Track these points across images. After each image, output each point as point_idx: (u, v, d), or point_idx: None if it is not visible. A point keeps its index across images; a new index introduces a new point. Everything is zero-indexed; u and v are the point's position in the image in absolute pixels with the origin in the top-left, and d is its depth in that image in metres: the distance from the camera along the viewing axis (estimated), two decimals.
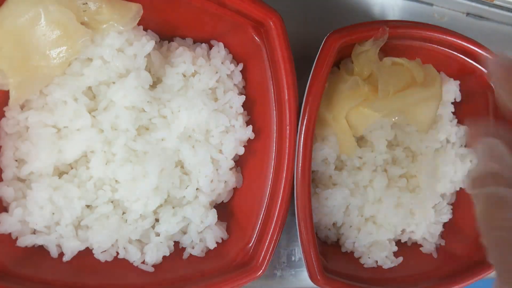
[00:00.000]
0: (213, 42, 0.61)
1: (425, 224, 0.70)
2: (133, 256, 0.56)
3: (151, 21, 0.57)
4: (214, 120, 0.58)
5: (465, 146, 0.62)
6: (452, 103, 0.72)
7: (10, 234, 0.53)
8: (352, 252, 0.68)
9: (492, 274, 0.67)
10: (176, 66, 0.57)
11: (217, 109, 0.59)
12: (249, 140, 0.62)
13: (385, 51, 0.63)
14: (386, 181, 0.65)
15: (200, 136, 0.58)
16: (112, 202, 0.56)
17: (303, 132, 0.55)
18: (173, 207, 0.59)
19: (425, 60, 0.65)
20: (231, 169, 0.61)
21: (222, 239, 0.60)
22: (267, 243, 0.54)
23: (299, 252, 0.56)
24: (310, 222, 0.55)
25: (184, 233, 0.60)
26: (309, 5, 0.72)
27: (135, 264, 0.57)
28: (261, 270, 0.54)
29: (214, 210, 0.60)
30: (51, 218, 0.53)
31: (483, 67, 0.66)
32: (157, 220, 0.59)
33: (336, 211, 0.65)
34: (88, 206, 0.55)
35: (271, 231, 0.54)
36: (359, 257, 0.68)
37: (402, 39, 0.63)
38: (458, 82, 0.71)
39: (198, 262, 0.58)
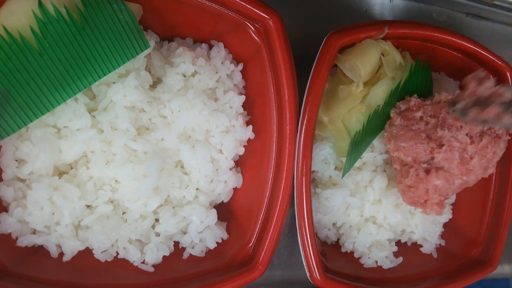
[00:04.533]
0: (213, 42, 0.61)
1: (425, 224, 0.70)
2: (133, 256, 0.56)
3: (151, 21, 0.57)
4: (214, 120, 0.58)
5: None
6: None
7: (10, 234, 0.53)
8: (352, 252, 0.68)
9: (491, 274, 0.67)
10: (176, 66, 0.57)
11: (217, 109, 0.59)
12: (249, 140, 0.62)
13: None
14: (386, 181, 0.65)
15: (200, 136, 0.58)
16: (112, 202, 0.56)
17: (303, 132, 0.55)
18: (173, 207, 0.59)
19: (425, 60, 0.65)
20: (231, 169, 0.61)
21: (222, 239, 0.60)
22: (267, 243, 0.54)
23: (299, 252, 0.56)
24: (310, 222, 0.55)
25: (184, 233, 0.60)
26: (309, 5, 0.72)
27: (135, 264, 0.57)
28: (261, 270, 0.54)
29: (214, 210, 0.60)
30: (51, 218, 0.53)
31: (483, 67, 0.67)
32: (157, 220, 0.59)
33: (336, 211, 0.65)
34: (88, 206, 0.55)
35: (271, 231, 0.54)
36: (359, 257, 0.68)
37: (402, 39, 0.63)
38: (458, 82, 0.71)
39: (198, 262, 0.58)
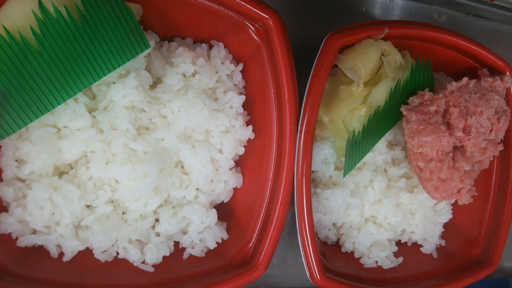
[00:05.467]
0: (213, 42, 0.61)
1: (425, 225, 0.70)
2: (133, 256, 0.56)
3: (151, 21, 0.57)
4: (214, 120, 0.58)
5: None
6: None
7: (10, 234, 0.53)
8: (352, 252, 0.68)
9: (491, 274, 0.67)
10: (176, 66, 0.57)
11: (217, 109, 0.59)
12: (249, 140, 0.62)
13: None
14: (386, 181, 0.65)
15: (200, 136, 0.58)
16: (112, 202, 0.56)
17: (303, 132, 0.55)
18: (173, 207, 0.59)
19: (425, 59, 0.65)
20: (231, 169, 0.61)
21: (222, 239, 0.60)
22: (267, 243, 0.54)
23: (299, 252, 0.56)
24: (310, 222, 0.55)
25: (184, 233, 0.60)
26: (309, 5, 0.72)
27: (135, 264, 0.57)
28: (261, 270, 0.54)
29: (214, 210, 0.60)
30: (51, 218, 0.53)
31: (483, 67, 0.67)
32: (157, 220, 0.58)
33: (336, 211, 0.65)
34: (88, 206, 0.55)
35: (271, 231, 0.54)
36: (359, 257, 0.68)
37: (402, 39, 0.63)
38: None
39: (198, 262, 0.58)
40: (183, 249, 0.60)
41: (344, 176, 0.60)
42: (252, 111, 0.62)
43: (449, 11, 0.80)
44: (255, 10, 0.51)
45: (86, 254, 0.56)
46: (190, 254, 0.59)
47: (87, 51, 0.48)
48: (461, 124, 0.58)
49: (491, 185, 0.70)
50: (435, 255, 0.71)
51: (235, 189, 0.63)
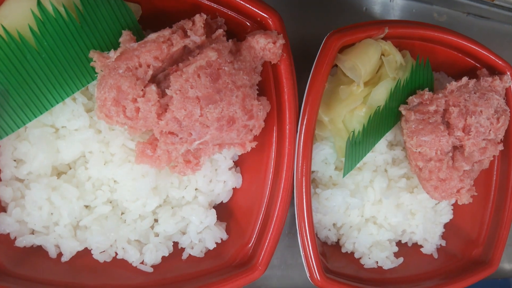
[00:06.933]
0: None
1: (426, 225, 0.70)
2: (132, 256, 0.56)
3: (150, 21, 0.57)
4: None
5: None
6: None
7: (8, 234, 0.52)
8: (352, 253, 0.68)
9: (492, 274, 0.67)
10: None
11: None
12: None
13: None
14: (387, 181, 0.65)
15: None
16: (110, 202, 0.56)
17: (303, 132, 0.54)
18: (172, 207, 0.59)
19: (425, 59, 0.65)
20: (230, 169, 0.61)
21: (221, 239, 0.60)
22: (267, 243, 0.54)
23: (299, 253, 0.56)
24: (310, 222, 0.55)
25: (183, 233, 0.60)
26: (309, 5, 0.71)
27: (134, 264, 0.56)
28: (261, 270, 0.54)
29: (214, 210, 0.59)
30: (50, 218, 0.53)
31: (483, 66, 0.67)
32: (156, 220, 0.58)
33: (336, 211, 0.65)
34: (86, 207, 0.55)
35: (271, 231, 0.54)
36: (360, 258, 0.68)
37: (402, 39, 0.63)
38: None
39: (197, 262, 0.58)
40: (182, 249, 0.60)
41: (344, 176, 0.60)
42: None
43: (449, 10, 0.80)
44: (254, 9, 0.51)
45: (85, 254, 0.55)
46: (189, 255, 0.59)
47: (86, 50, 0.48)
48: (461, 123, 0.58)
49: (491, 185, 0.70)
50: (435, 256, 0.71)
51: (234, 189, 0.62)
